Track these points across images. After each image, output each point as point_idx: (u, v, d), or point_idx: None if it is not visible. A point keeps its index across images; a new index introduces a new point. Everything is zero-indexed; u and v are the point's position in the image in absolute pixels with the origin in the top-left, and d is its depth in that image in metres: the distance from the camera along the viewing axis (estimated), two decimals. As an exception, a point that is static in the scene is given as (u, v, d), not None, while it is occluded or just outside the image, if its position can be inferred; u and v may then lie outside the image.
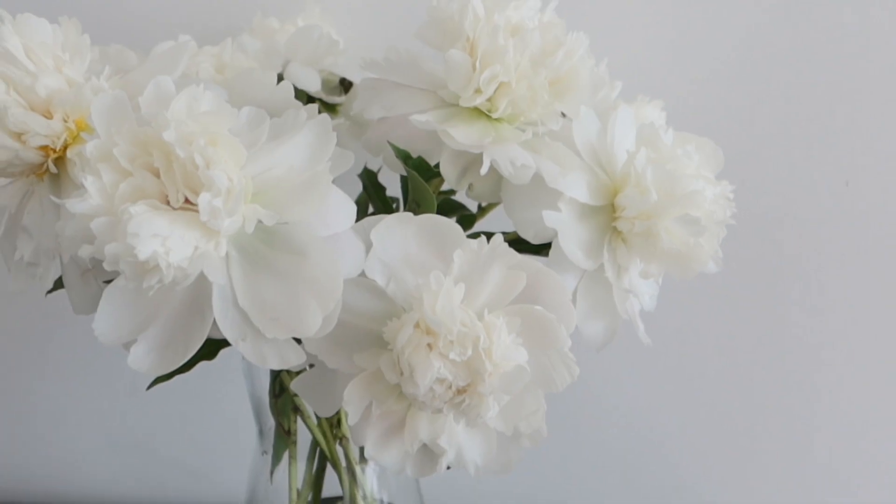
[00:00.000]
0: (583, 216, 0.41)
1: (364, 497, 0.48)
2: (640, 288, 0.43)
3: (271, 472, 0.49)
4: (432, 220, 0.37)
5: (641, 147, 0.41)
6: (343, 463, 0.48)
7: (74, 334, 0.66)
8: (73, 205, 0.32)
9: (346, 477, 0.48)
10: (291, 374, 0.46)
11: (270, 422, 0.49)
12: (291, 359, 0.35)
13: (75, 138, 0.39)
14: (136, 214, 0.31)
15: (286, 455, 0.48)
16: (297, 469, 0.48)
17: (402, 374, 0.35)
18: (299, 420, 0.48)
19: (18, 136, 0.38)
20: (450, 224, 0.37)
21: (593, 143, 0.42)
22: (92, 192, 0.32)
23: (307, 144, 0.34)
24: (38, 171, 0.40)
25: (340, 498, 0.49)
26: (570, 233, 0.40)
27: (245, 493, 0.52)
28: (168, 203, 0.32)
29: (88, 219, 0.31)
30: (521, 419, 0.38)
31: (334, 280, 0.34)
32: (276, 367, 0.35)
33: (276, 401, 0.48)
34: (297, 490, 0.48)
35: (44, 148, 0.38)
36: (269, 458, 0.50)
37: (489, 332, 0.34)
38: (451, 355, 0.34)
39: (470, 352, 0.34)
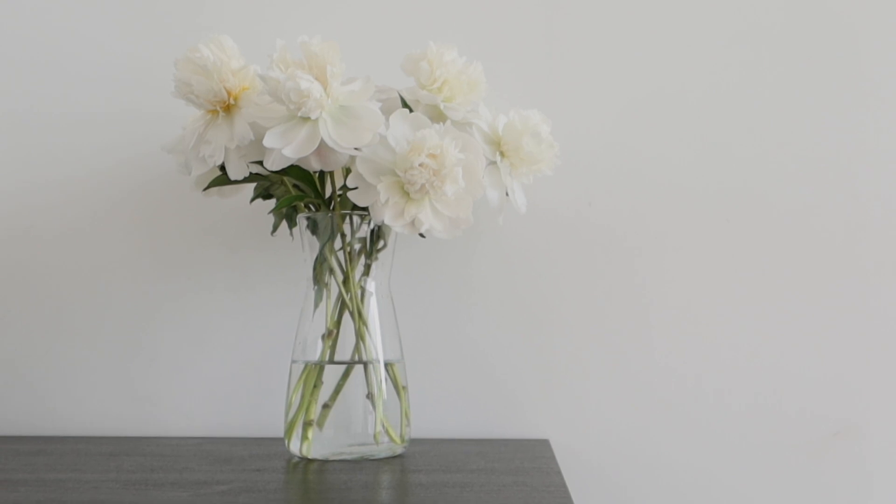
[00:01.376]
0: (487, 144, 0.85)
1: (363, 320, 0.86)
2: (513, 183, 0.85)
3: (314, 309, 0.86)
4: (417, 116, 0.79)
5: (512, 113, 0.86)
6: (350, 306, 0.86)
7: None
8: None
9: (354, 310, 0.86)
10: (332, 250, 0.85)
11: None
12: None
13: (241, 93, 0.82)
14: (302, 76, 0.73)
15: (323, 298, 0.86)
16: (330, 302, 0.86)
17: (405, 170, 0.76)
18: (332, 278, 0.87)
19: (220, 81, 0.80)
20: (424, 119, 0.79)
21: (489, 122, 0.87)
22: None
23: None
24: (216, 108, 0.81)
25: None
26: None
27: (296, 324, 0.88)
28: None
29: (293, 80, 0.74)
30: (459, 211, 0.78)
31: (375, 124, 0.76)
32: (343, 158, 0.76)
33: (320, 266, 0.87)
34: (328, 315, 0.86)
35: (228, 91, 0.80)
36: (311, 300, 0.87)
37: (447, 147, 0.76)
38: (428, 156, 0.76)
39: (439, 152, 0.75)
